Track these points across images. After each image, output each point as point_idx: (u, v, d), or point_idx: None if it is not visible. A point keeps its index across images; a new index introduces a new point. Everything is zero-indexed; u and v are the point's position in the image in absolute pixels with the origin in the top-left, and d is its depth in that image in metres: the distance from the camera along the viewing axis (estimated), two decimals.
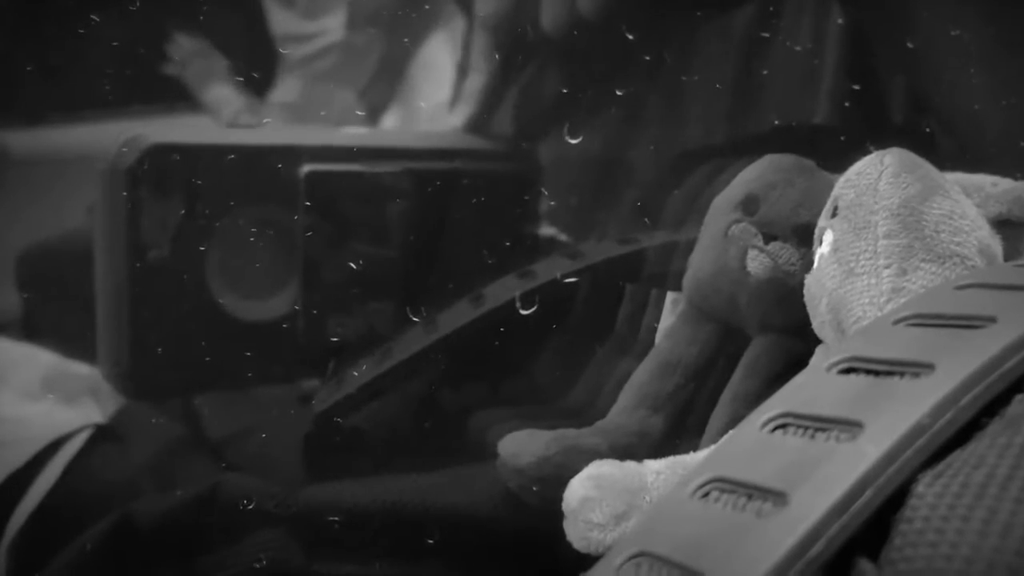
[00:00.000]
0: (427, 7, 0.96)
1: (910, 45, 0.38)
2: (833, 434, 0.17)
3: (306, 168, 0.41)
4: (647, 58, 0.43)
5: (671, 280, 0.35)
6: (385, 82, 1.05)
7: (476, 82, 0.45)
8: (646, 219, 0.42)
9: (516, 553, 0.32)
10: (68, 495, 0.39)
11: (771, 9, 0.45)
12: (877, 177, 0.24)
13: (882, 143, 0.26)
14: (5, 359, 0.49)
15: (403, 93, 1.03)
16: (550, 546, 0.26)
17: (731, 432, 0.19)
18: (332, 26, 1.11)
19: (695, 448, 0.28)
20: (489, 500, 0.31)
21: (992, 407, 0.17)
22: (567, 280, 0.38)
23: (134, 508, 0.34)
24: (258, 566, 0.32)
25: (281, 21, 1.13)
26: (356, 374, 0.38)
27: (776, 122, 0.46)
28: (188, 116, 1.14)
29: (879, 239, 0.24)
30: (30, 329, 0.62)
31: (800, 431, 0.17)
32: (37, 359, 0.49)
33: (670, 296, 0.35)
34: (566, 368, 0.39)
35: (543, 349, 0.40)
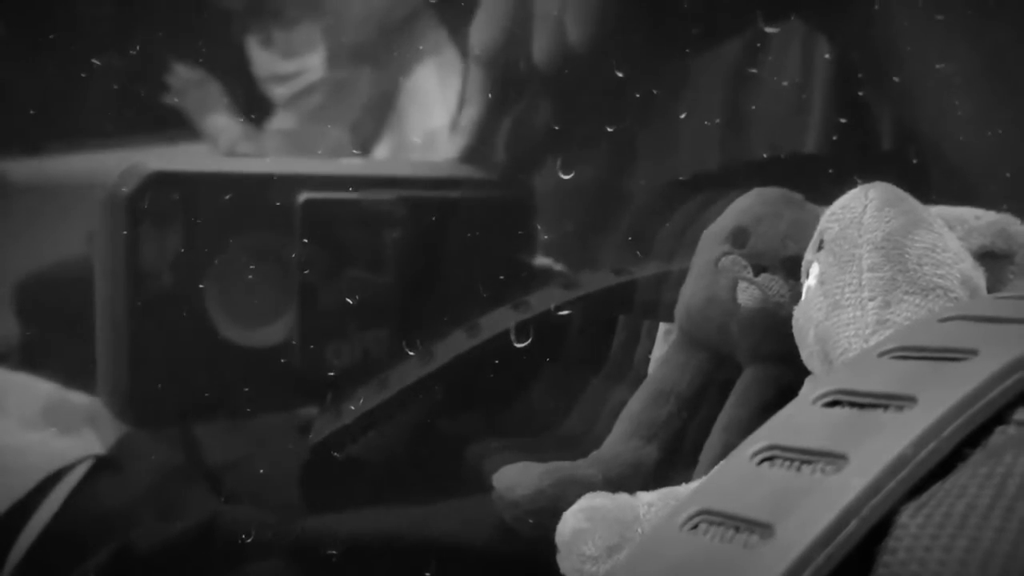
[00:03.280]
0: (420, 47, 0.97)
1: (896, 79, 0.38)
2: (819, 466, 0.17)
3: (303, 196, 0.41)
4: (637, 93, 0.43)
5: (663, 310, 0.35)
6: (374, 115, 1.06)
7: (471, 114, 0.45)
8: (638, 251, 0.42)
9: None
10: (69, 526, 0.39)
11: (759, 45, 0.46)
12: (861, 211, 0.25)
13: (870, 175, 0.27)
14: (4, 388, 0.49)
15: (393, 124, 1.04)
16: None
17: (720, 464, 0.19)
18: (313, 64, 1.12)
19: (688, 478, 0.28)
20: (485, 532, 0.31)
21: (974, 438, 0.17)
22: (561, 312, 0.38)
23: (134, 538, 0.34)
24: None
25: (263, 62, 1.14)
26: (353, 407, 0.39)
27: (765, 155, 0.46)
28: (187, 144, 1.15)
29: (863, 272, 0.24)
30: (29, 358, 0.62)
31: (787, 463, 0.18)
32: (36, 388, 0.49)
33: (663, 326, 0.35)
34: (561, 398, 0.39)
35: (538, 380, 0.41)
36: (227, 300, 0.41)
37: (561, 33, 0.39)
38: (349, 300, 0.42)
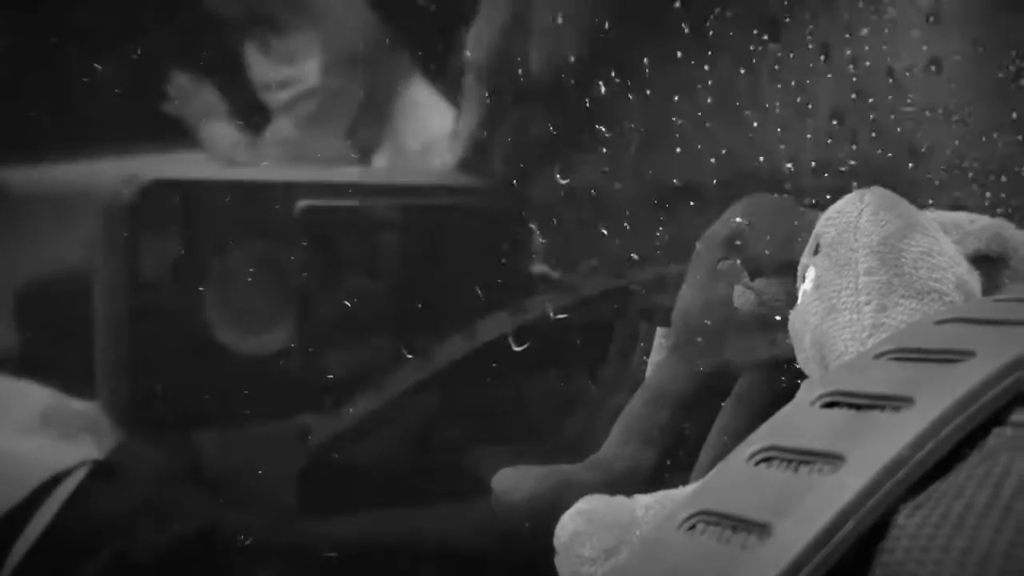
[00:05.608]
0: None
1: (890, 80, 0.38)
2: (816, 467, 0.17)
3: (302, 204, 0.41)
4: (633, 99, 0.44)
5: (661, 315, 0.35)
6: (370, 124, 1.06)
7: (468, 123, 0.45)
8: (635, 255, 0.42)
9: None
10: (66, 530, 0.39)
11: (756, 50, 0.46)
12: (857, 215, 0.25)
13: (865, 180, 0.27)
14: (4, 395, 0.49)
15: (391, 133, 1.04)
16: None
17: (718, 465, 0.19)
18: (309, 71, 1.12)
19: (685, 481, 0.28)
20: (483, 535, 0.31)
21: (971, 439, 0.17)
22: (559, 316, 0.39)
23: (132, 543, 0.34)
24: None
25: (260, 69, 1.14)
26: (351, 410, 0.39)
27: (761, 160, 0.46)
28: (187, 153, 1.15)
29: (860, 276, 0.24)
30: (29, 365, 0.62)
31: (784, 464, 0.18)
32: (35, 395, 0.49)
33: (660, 331, 0.35)
34: (559, 402, 0.39)
35: (536, 384, 0.41)
36: (226, 307, 0.41)
37: (558, 42, 0.39)
38: (347, 303, 0.42)
